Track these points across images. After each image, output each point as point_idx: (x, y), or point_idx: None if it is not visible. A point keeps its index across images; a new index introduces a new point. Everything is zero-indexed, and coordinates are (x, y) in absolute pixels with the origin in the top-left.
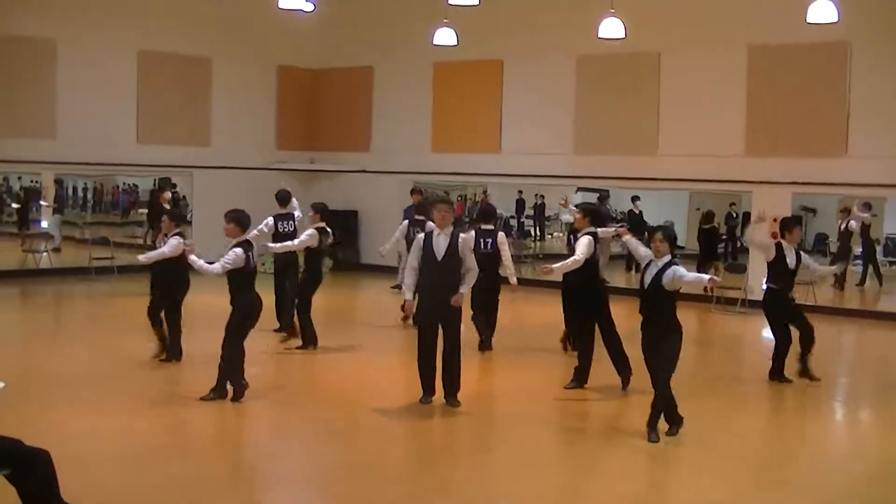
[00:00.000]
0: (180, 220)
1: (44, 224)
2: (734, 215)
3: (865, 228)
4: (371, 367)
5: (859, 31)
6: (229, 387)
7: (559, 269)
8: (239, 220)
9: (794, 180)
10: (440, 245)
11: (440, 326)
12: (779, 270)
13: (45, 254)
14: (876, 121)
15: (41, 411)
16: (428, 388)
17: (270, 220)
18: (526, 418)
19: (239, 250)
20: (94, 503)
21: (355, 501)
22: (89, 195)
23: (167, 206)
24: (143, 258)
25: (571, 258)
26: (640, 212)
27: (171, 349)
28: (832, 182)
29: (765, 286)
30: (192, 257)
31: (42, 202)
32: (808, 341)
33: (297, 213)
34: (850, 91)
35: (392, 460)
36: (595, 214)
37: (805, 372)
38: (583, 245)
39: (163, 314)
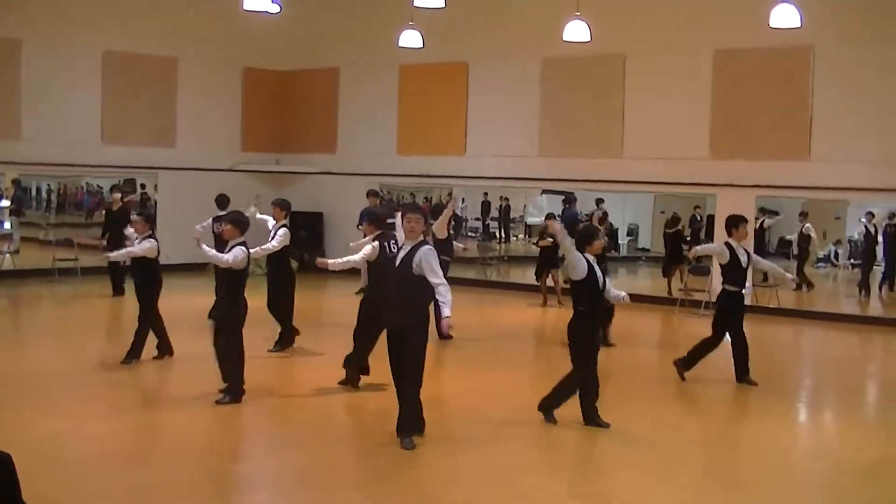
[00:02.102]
0: (152, 221)
1: (6, 225)
2: (699, 218)
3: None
4: (338, 371)
5: (822, 35)
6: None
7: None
8: (237, 221)
9: (757, 183)
10: (399, 255)
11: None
12: (734, 270)
13: (7, 255)
14: (839, 124)
15: (6, 414)
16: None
17: (209, 221)
18: (494, 421)
19: (243, 249)
20: None
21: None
22: (53, 196)
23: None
24: (112, 256)
25: None
26: (605, 213)
27: (133, 348)
28: (795, 185)
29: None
30: (204, 246)
31: (2, 203)
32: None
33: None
34: (813, 95)
35: (361, 463)
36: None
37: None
38: None
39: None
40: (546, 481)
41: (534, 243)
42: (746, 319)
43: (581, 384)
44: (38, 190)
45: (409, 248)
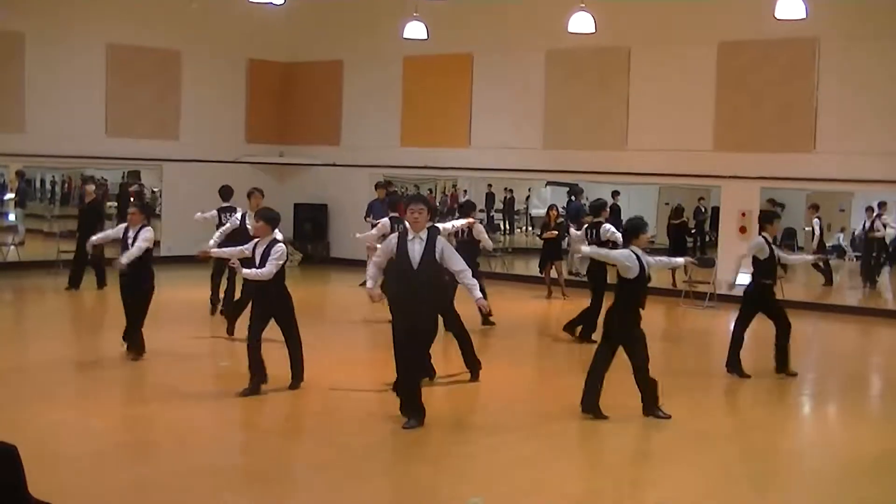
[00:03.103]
0: (150, 212)
1: (11, 217)
2: (703, 210)
3: None
4: (339, 363)
5: (828, 27)
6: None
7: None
8: (269, 218)
9: (762, 175)
10: (415, 251)
11: (412, 338)
12: (769, 263)
13: (11, 247)
14: (844, 117)
15: (9, 406)
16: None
17: (214, 212)
18: (498, 416)
19: (282, 246)
20: (63, 500)
21: (325, 498)
22: (57, 188)
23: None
24: (124, 261)
25: None
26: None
27: (133, 343)
28: (800, 177)
29: (750, 279)
30: (245, 270)
31: (7, 195)
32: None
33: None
34: (818, 87)
35: (361, 457)
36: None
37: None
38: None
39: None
40: (549, 473)
41: (538, 235)
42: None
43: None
44: (43, 182)
45: (423, 241)
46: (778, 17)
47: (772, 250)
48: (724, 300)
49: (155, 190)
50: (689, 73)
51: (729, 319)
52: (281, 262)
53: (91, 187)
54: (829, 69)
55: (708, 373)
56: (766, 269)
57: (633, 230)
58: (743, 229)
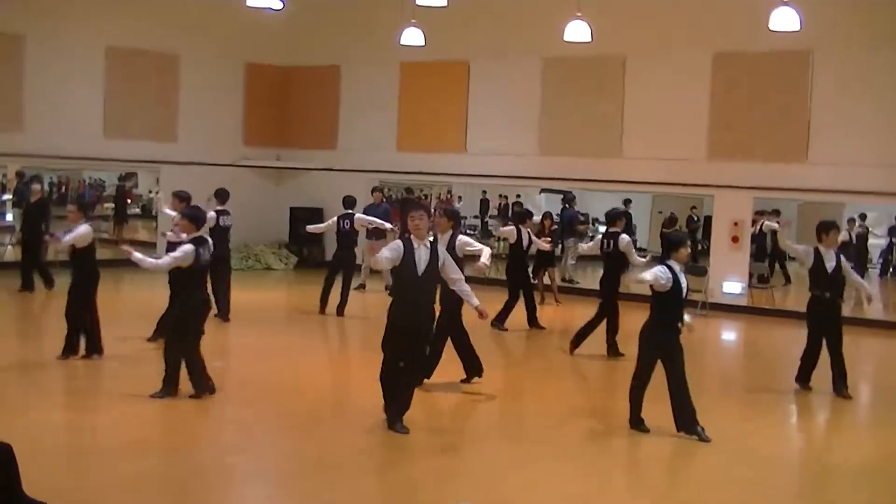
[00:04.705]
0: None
1: (8, 217)
2: (695, 218)
3: (772, 234)
4: (334, 363)
5: (821, 39)
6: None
7: None
8: (193, 216)
9: (754, 185)
10: (421, 258)
11: (408, 345)
12: (818, 275)
13: (8, 247)
14: (836, 128)
15: (5, 405)
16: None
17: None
18: (491, 419)
19: (189, 247)
20: (55, 497)
21: (320, 498)
22: (55, 189)
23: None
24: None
25: None
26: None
27: (91, 344)
28: (792, 187)
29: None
30: (136, 254)
31: (4, 196)
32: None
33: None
34: (811, 98)
35: (355, 457)
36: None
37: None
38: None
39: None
40: (541, 476)
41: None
42: (742, 320)
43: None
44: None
45: (427, 249)
46: (772, 29)
47: (819, 260)
48: (716, 308)
49: (152, 192)
50: (683, 82)
51: (720, 327)
52: (178, 259)
53: (37, 186)
54: (822, 80)
55: (700, 383)
56: (814, 281)
57: (672, 245)
58: (735, 239)
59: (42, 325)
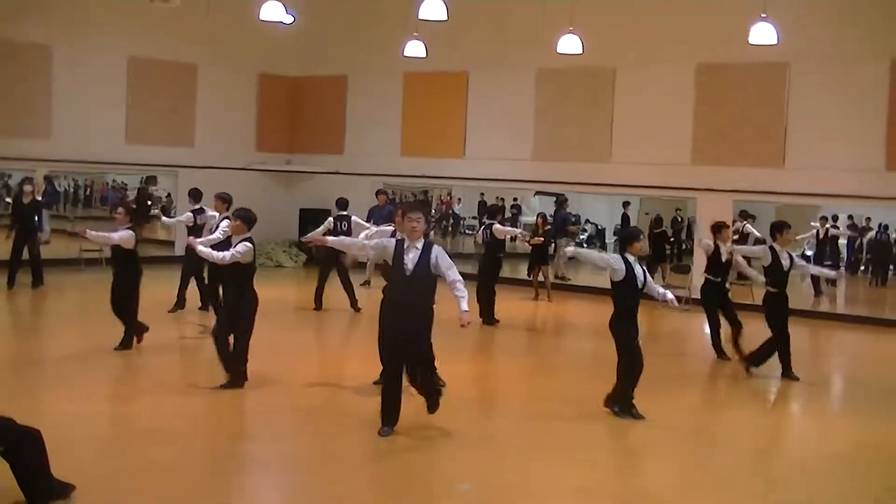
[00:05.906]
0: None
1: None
2: (679, 220)
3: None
4: (342, 358)
5: (798, 52)
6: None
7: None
8: (246, 218)
9: (735, 188)
10: (410, 259)
11: (406, 345)
12: (775, 274)
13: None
14: (811, 135)
15: (31, 394)
16: (389, 418)
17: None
18: (491, 406)
19: (248, 245)
20: (79, 482)
21: (330, 485)
22: (80, 192)
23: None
24: (91, 236)
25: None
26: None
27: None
28: (770, 191)
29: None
30: (200, 247)
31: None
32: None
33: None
34: (788, 107)
35: (361, 447)
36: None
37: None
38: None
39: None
40: (536, 470)
41: (526, 241)
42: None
43: (628, 371)
44: (67, 186)
45: (419, 250)
46: (751, 43)
47: (776, 259)
48: (698, 304)
49: (169, 194)
50: (669, 92)
51: (702, 322)
52: (238, 255)
53: (29, 188)
54: (798, 91)
55: (684, 374)
56: (770, 278)
57: (626, 239)
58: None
59: (42, 323)
